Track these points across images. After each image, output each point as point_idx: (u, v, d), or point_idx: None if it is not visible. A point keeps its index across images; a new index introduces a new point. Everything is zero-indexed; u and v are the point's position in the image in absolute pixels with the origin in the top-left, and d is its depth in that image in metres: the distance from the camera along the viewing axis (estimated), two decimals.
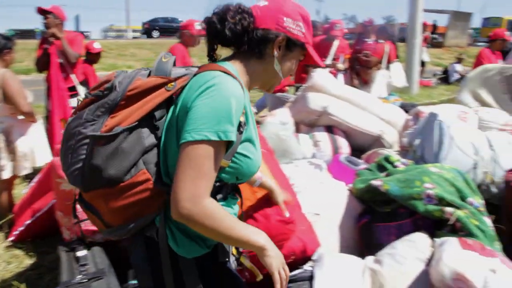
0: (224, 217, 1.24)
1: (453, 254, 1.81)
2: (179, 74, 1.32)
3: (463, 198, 2.38)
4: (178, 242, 1.32)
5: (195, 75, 1.32)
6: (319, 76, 4.04)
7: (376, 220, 2.52)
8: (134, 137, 1.26)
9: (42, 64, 4.49)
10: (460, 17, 28.11)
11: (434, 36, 23.17)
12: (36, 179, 3.65)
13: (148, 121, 1.29)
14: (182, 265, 1.33)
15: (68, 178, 1.34)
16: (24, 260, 3.31)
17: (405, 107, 4.84)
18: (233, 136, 1.23)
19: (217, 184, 1.32)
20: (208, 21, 1.36)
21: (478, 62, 6.31)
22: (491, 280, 1.69)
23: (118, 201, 1.28)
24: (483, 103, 3.98)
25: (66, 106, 4.46)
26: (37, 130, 3.89)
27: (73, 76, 4.59)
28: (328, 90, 3.93)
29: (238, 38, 1.35)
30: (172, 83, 1.29)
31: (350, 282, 2.05)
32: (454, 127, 2.99)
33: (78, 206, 1.47)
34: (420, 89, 11.53)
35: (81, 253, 2.48)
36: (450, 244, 1.92)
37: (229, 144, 1.25)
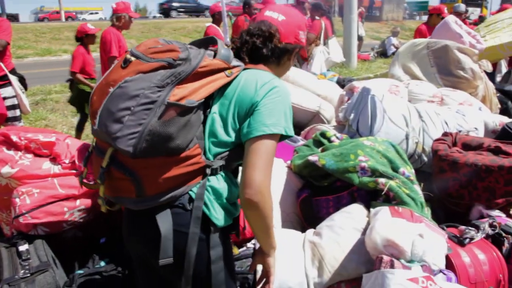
0: (272, 209, 1.43)
1: (383, 222, 1.93)
2: (234, 63, 1.48)
3: (395, 168, 2.51)
4: (216, 210, 1.45)
5: (246, 69, 1.52)
6: None
7: (315, 194, 2.61)
8: (198, 112, 1.38)
9: None
10: None
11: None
12: None
13: (206, 99, 1.40)
14: (212, 232, 1.45)
15: (114, 140, 1.27)
16: None
17: (342, 82, 5.01)
18: (293, 133, 1.48)
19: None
20: (251, 43, 1.58)
21: (416, 37, 6.57)
22: (418, 243, 1.83)
23: (170, 171, 1.34)
24: (414, 76, 4.16)
25: None
26: None
27: (1, 65, 4.36)
28: None
29: (271, 54, 1.60)
30: (231, 70, 1.45)
31: (292, 256, 2.14)
32: (386, 100, 3.13)
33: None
34: (359, 63, 11.87)
35: (23, 247, 2.42)
36: (382, 213, 2.04)
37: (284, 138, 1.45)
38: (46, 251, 2.45)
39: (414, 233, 1.87)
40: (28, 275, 2.25)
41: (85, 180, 1.61)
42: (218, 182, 1.46)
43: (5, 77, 4.39)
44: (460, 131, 3.24)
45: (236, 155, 1.48)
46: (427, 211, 2.47)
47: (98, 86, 1.41)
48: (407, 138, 3.07)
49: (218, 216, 1.45)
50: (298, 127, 3.88)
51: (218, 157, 1.46)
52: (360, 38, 15.66)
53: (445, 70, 4.05)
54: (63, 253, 2.62)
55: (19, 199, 2.50)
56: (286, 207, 2.76)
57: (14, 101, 4.49)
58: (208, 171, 1.42)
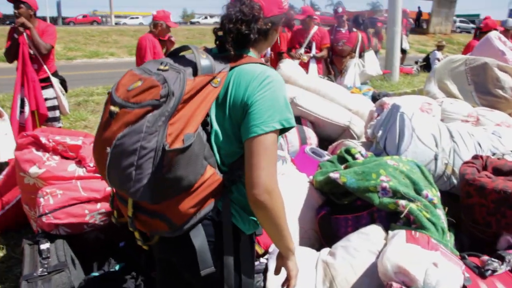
0: (283, 209, 1.39)
1: (396, 248, 1.87)
2: (218, 68, 1.38)
3: (418, 190, 2.43)
4: (243, 219, 1.47)
5: (232, 68, 1.41)
6: (287, 66, 4.07)
7: (334, 212, 2.57)
8: (198, 138, 1.31)
9: (12, 54, 4.41)
10: (444, 4, 28.23)
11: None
12: (4, 172, 3.65)
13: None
14: (241, 240, 1.48)
15: (131, 195, 1.30)
16: None
17: (377, 97, 4.91)
18: (293, 122, 1.40)
19: None
20: (235, 30, 1.44)
21: (465, 53, 6.33)
22: (431, 272, 1.76)
23: (191, 201, 1.34)
24: (449, 94, 4.03)
25: (38, 98, 4.42)
26: (3, 124, 3.88)
27: (45, 67, 4.54)
28: (295, 80, 3.97)
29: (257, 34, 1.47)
30: (218, 79, 1.35)
31: (303, 274, 2.10)
32: (416, 119, 3.03)
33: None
34: (401, 77, 11.62)
35: (44, 246, 2.50)
36: (397, 237, 1.98)
37: (287, 129, 1.40)
38: (66, 251, 2.52)
39: (428, 261, 1.79)
40: (46, 273, 2.33)
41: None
42: (239, 191, 1.46)
43: (47, 79, 4.58)
44: (494, 154, 3.10)
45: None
46: (449, 237, 2.37)
47: (96, 143, 1.41)
48: (436, 159, 2.96)
49: (245, 224, 1.48)
50: (328, 141, 3.85)
51: (233, 167, 1.44)
52: (403, 51, 15.37)
53: (483, 88, 3.90)
54: (84, 254, 2.69)
55: (43, 199, 2.59)
56: (305, 223, 2.72)
57: (55, 102, 4.67)
58: (227, 183, 1.42)
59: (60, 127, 4.77)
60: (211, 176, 1.37)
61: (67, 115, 6.16)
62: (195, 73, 1.34)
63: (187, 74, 1.32)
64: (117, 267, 2.57)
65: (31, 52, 4.40)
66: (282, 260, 1.52)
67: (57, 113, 4.74)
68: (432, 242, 1.94)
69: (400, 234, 2.01)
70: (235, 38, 1.45)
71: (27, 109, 4.34)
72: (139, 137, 1.24)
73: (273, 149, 1.35)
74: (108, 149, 1.27)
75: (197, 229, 1.40)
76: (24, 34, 4.31)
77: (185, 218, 1.37)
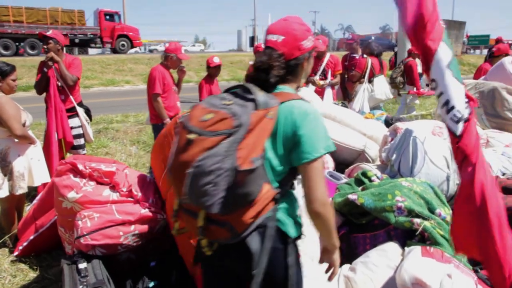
0: (333, 216, 1.75)
1: (413, 261, 2.02)
2: (271, 103, 1.66)
3: (431, 209, 2.59)
4: (289, 225, 1.76)
5: (281, 103, 1.70)
6: (303, 94, 4.27)
7: (353, 231, 2.73)
8: (260, 160, 1.60)
9: (42, 87, 4.71)
10: (453, 25, 28.51)
11: None
12: (38, 197, 3.86)
13: None
14: (289, 243, 1.76)
15: (206, 208, 1.54)
16: (28, 274, 3.49)
17: (390, 121, 5.08)
18: (333, 147, 1.73)
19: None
20: (256, 75, 1.77)
21: (477, 76, 6.47)
22: (446, 283, 1.91)
23: (251, 212, 1.62)
24: None
25: (64, 127, 4.69)
26: (35, 150, 4.01)
27: (72, 98, 4.82)
28: None
29: (280, 76, 1.77)
30: (271, 112, 1.64)
31: None
32: (428, 142, 3.20)
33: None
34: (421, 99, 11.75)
35: (82, 265, 2.68)
36: (413, 252, 2.13)
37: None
38: (102, 270, 2.70)
39: (443, 273, 1.94)
40: None
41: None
42: (286, 201, 1.76)
43: (73, 109, 4.87)
44: (504, 174, 3.24)
45: (292, 175, 1.78)
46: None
47: (173, 167, 1.64)
48: (447, 179, 3.12)
49: (291, 229, 1.76)
50: (345, 164, 4.01)
51: (282, 183, 1.74)
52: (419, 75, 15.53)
53: (492, 111, 4.05)
54: (117, 274, 2.86)
55: (81, 221, 2.78)
56: None
57: (80, 131, 4.94)
58: (277, 196, 1.70)
59: (84, 154, 5.02)
60: (267, 191, 1.66)
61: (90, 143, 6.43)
62: (255, 107, 1.61)
63: (250, 109, 1.60)
64: (151, 284, 2.73)
65: (59, 84, 4.70)
66: (328, 253, 1.87)
67: (82, 140, 5.00)
68: (446, 256, 2.09)
69: (416, 250, 2.16)
70: (261, 84, 1.74)
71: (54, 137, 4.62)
72: (217, 160, 1.49)
73: (322, 170, 1.70)
74: (189, 170, 1.51)
75: (252, 235, 1.66)
76: (53, 67, 4.61)
77: (245, 226, 1.63)
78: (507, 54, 6.42)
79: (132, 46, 28.34)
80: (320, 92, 6.39)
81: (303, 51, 1.81)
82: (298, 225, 1.82)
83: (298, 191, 1.82)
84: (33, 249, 3.67)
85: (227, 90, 1.79)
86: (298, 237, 1.84)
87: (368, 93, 6.43)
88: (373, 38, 7.14)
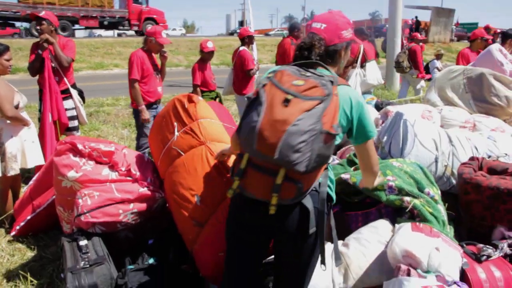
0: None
1: (403, 235, 2.13)
2: (337, 83, 1.85)
3: (420, 188, 2.70)
4: (333, 190, 2.05)
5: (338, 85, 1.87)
6: None
7: (346, 209, 2.83)
8: (338, 127, 1.75)
9: (36, 68, 4.70)
10: (442, 13, 28.65)
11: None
12: (35, 177, 3.90)
13: None
14: (330, 206, 2.04)
15: (294, 165, 1.65)
16: (26, 253, 3.55)
17: (380, 106, 5.19)
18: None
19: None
20: (300, 53, 1.97)
21: (457, 62, 6.66)
22: (434, 256, 2.03)
23: (318, 174, 1.83)
24: (449, 102, 4.30)
25: (59, 108, 4.70)
26: (29, 132, 4.00)
27: (65, 80, 4.83)
28: None
29: (321, 58, 1.96)
30: (336, 91, 1.78)
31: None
32: (418, 125, 3.31)
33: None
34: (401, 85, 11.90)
35: (83, 242, 2.76)
36: (404, 228, 2.25)
37: None
38: (102, 247, 2.78)
39: (431, 246, 2.06)
40: (88, 266, 2.59)
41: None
42: (329, 171, 2.00)
43: (67, 91, 4.88)
44: (490, 156, 3.37)
45: (336, 149, 1.98)
46: (449, 229, 2.63)
47: (266, 123, 1.70)
48: (436, 161, 3.24)
49: (333, 194, 2.04)
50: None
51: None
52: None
53: (479, 96, 4.17)
54: (116, 252, 2.94)
55: (82, 199, 2.85)
56: None
57: (74, 113, 4.96)
58: (326, 166, 1.91)
59: (79, 136, 5.04)
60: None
61: (83, 125, 6.45)
62: (331, 83, 1.79)
63: (329, 82, 1.79)
64: (150, 261, 2.82)
65: (53, 65, 4.69)
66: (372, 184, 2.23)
67: (75, 122, 5.02)
68: (434, 231, 2.21)
69: (406, 225, 2.28)
70: (302, 60, 1.94)
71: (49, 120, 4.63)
72: (313, 121, 1.65)
73: (373, 144, 2.05)
74: (287, 127, 1.64)
75: (307, 197, 1.84)
76: (48, 49, 4.61)
77: (310, 186, 1.81)
78: (482, 38, 6.63)
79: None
80: None
81: (342, 39, 2.02)
82: (334, 191, 2.09)
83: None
84: (30, 229, 3.73)
85: (295, 64, 1.94)
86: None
87: (360, 78, 6.52)
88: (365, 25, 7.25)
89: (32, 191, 3.79)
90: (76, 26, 27.94)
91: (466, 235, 2.80)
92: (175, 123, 2.82)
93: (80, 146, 3.02)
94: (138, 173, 3.03)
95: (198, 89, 5.97)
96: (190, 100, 2.85)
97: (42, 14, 4.65)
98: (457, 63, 6.53)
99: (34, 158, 4.05)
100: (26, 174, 4.76)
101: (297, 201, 1.83)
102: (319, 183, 1.89)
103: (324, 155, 1.72)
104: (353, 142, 2.06)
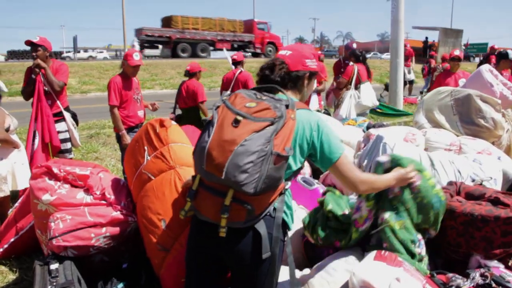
0: (376, 177, 2.27)
1: (364, 265, 2.08)
2: (293, 106, 1.86)
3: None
4: (289, 216, 2.01)
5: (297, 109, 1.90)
6: None
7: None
8: (292, 151, 1.80)
9: (29, 92, 4.79)
10: (450, 33, 28.65)
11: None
12: (20, 200, 3.93)
13: None
14: (287, 232, 2.02)
15: (241, 186, 1.67)
16: (8, 275, 3.56)
17: (373, 128, 5.13)
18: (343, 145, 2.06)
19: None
20: (262, 74, 2.08)
21: (436, 84, 6.70)
22: (394, 286, 1.96)
23: (271, 197, 1.82)
24: (436, 124, 4.24)
25: (51, 131, 4.75)
26: (19, 155, 4.10)
27: (58, 103, 4.90)
28: None
29: (282, 80, 2.04)
30: (293, 115, 1.82)
31: None
32: (397, 148, 3.26)
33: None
34: (405, 107, 11.87)
35: (53, 266, 2.74)
36: (368, 256, 2.19)
37: None
38: (73, 271, 2.76)
39: (391, 276, 2.00)
40: None
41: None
42: (287, 196, 1.97)
43: (60, 114, 4.94)
44: (474, 180, 3.30)
45: (295, 174, 2.01)
46: (424, 258, 2.54)
47: (214, 143, 1.74)
48: None
49: (290, 220, 2.01)
50: (321, 171, 4.05)
51: (287, 179, 1.95)
52: (410, 82, 15.66)
53: (467, 118, 4.10)
54: (91, 275, 2.92)
55: (54, 223, 2.85)
56: (293, 248, 2.92)
57: (67, 135, 5.01)
58: (283, 190, 1.90)
59: (71, 158, 5.08)
60: (283, 183, 1.86)
61: (79, 147, 6.51)
62: (286, 106, 1.81)
63: (284, 106, 1.81)
64: (120, 286, 2.79)
65: (46, 89, 4.77)
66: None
67: (68, 145, 5.07)
68: (397, 260, 2.15)
69: (371, 254, 2.22)
70: (262, 80, 2.07)
71: (36, 141, 4.67)
72: (261, 142, 1.67)
73: (348, 164, 2.00)
74: (235, 147, 1.66)
75: (261, 222, 1.84)
76: (40, 73, 4.70)
77: (261, 210, 1.81)
78: (451, 58, 6.66)
79: (277, 51, 31.65)
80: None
81: (306, 68, 2.08)
82: (292, 217, 2.06)
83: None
84: (13, 251, 3.74)
85: (254, 88, 2.00)
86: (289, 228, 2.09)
87: (355, 100, 6.51)
88: (354, 45, 7.25)
89: (17, 214, 3.82)
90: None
91: (442, 263, 2.73)
92: (146, 147, 2.82)
93: (55, 170, 3.04)
94: (112, 197, 3.02)
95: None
96: (162, 125, 2.86)
97: (37, 40, 4.73)
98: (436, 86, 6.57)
99: (24, 180, 4.09)
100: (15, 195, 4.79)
101: (249, 225, 1.81)
102: (274, 208, 1.88)
103: (275, 177, 1.72)
104: (322, 168, 2.05)
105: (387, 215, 2.47)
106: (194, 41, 29.94)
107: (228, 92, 5.54)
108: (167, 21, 30.74)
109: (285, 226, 1.98)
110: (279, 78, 2.04)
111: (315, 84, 2.19)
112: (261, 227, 1.84)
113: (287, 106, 1.81)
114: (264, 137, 1.67)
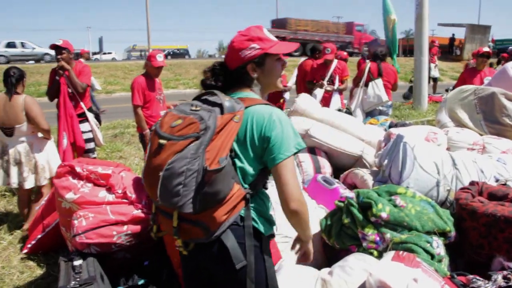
0: (308, 211, 1.84)
1: (381, 265, 2.07)
2: (237, 107, 1.75)
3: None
4: (262, 223, 1.86)
5: (246, 107, 1.79)
6: (302, 100, 4.35)
7: None
8: (228, 161, 1.69)
9: (52, 93, 4.95)
10: (478, 30, 28.02)
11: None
12: (46, 197, 4.05)
13: None
14: (262, 240, 1.87)
15: (179, 208, 1.63)
16: (35, 271, 3.67)
17: (395, 127, 5.08)
18: (304, 144, 1.83)
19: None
20: (205, 77, 1.94)
21: (460, 82, 6.54)
22: (412, 287, 1.95)
23: (223, 210, 1.70)
24: (459, 123, 4.17)
25: (75, 131, 4.88)
26: (51, 146, 4.50)
27: (82, 104, 5.02)
28: (310, 113, 4.23)
29: (226, 82, 1.91)
30: (238, 116, 1.72)
31: None
32: (418, 148, 3.22)
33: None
34: (431, 105, 11.68)
35: (77, 262, 2.82)
36: (386, 257, 2.18)
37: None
38: (96, 267, 2.82)
39: (409, 277, 1.98)
40: (77, 286, 2.63)
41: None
42: (258, 201, 1.85)
43: (83, 114, 5.06)
44: (498, 180, 3.24)
45: (263, 176, 1.86)
46: (444, 259, 2.52)
47: (147, 170, 1.74)
48: (437, 185, 3.13)
49: (264, 227, 1.86)
50: (342, 170, 4.05)
51: (252, 184, 1.82)
52: (434, 80, 15.39)
53: (491, 117, 4.02)
54: (113, 271, 2.99)
55: (77, 221, 2.92)
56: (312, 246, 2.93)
57: (90, 135, 5.14)
58: (248, 196, 1.77)
59: (94, 158, 5.20)
60: (238, 190, 1.73)
61: (104, 146, 6.63)
62: (221, 112, 1.71)
63: (216, 113, 1.70)
64: (140, 282, 2.85)
65: (69, 90, 4.89)
66: (303, 243, 2.00)
67: (92, 144, 5.19)
68: (415, 261, 2.13)
69: (389, 254, 2.21)
70: (208, 86, 1.91)
71: (65, 141, 4.82)
72: (185, 162, 1.59)
73: (294, 167, 1.79)
74: (161, 173, 1.61)
75: (227, 233, 1.75)
76: (64, 75, 4.82)
77: (219, 225, 1.71)
78: (479, 54, 6.50)
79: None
80: (327, 98, 6.46)
81: (244, 59, 1.87)
82: (270, 223, 1.92)
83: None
84: (40, 248, 3.85)
85: (197, 97, 1.89)
86: (272, 235, 1.96)
87: (362, 97, 6.49)
88: (379, 42, 7.24)
89: (43, 211, 3.92)
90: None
91: (464, 264, 2.69)
92: None
93: (78, 169, 3.11)
94: (133, 196, 3.08)
95: None
96: None
97: (61, 43, 4.84)
98: (459, 83, 6.42)
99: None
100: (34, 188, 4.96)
101: (215, 238, 1.74)
102: (242, 217, 1.79)
103: (211, 193, 1.64)
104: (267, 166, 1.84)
105: (389, 235, 2.52)
106: (305, 41, 31.36)
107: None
108: (281, 23, 34.11)
109: (259, 233, 1.85)
110: (221, 83, 1.91)
111: (278, 66, 1.94)
112: (227, 238, 1.76)
113: (222, 111, 1.71)
114: (188, 156, 1.60)
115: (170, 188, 1.60)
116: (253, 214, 1.82)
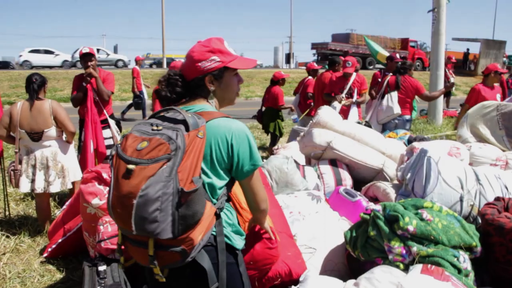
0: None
1: (411, 278, 2.07)
2: (199, 123, 1.68)
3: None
4: (234, 238, 1.85)
5: (207, 121, 1.72)
6: (324, 113, 4.37)
7: None
8: (201, 179, 1.64)
9: (78, 100, 5.03)
10: (492, 45, 27.95)
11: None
12: (68, 202, 4.10)
13: None
14: (238, 255, 1.89)
15: (156, 235, 1.53)
16: (55, 274, 3.69)
17: (413, 141, 5.08)
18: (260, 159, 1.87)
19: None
20: (161, 89, 1.87)
21: (470, 96, 6.47)
22: None
23: (198, 230, 1.63)
24: (481, 138, 4.16)
25: (98, 138, 4.96)
26: (72, 150, 4.64)
27: (104, 111, 5.10)
28: (332, 126, 4.25)
29: (181, 94, 1.86)
30: (201, 132, 1.65)
31: None
32: (442, 162, 3.22)
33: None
34: (445, 119, 11.65)
35: (102, 268, 2.86)
36: (414, 270, 2.18)
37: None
38: (120, 273, 2.86)
39: None
40: None
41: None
42: (226, 214, 1.83)
43: (105, 121, 5.14)
44: None
45: (228, 188, 1.83)
46: (470, 274, 2.51)
47: (114, 201, 1.62)
48: (461, 200, 3.12)
49: (237, 242, 1.85)
50: (363, 182, 4.06)
51: (219, 198, 1.79)
52: (448, 94, 15.35)
53: None
54: (136, 278, 3.01)
55: (103, 226, 2.96)
56: (335, 257, 2.95)
57: (111, 142, 5.20)
58: (218, 211, 1.75)
59: None
60: (210, 208, 1.68)
61: None
62: (187, 129, 1.62)
63: (182, 131, 1.61)
64: None
65: (94, 97, 4.97)
66: (262, 225, 2.21)
67: (113, 151, 5.23)
68: (445, 274, 2.12)
69: (417, 267, 2.21)
70: (167, 97, 1.86)
71: (91, 147, 4.91)
72: (160, 186, 1.50)
73: (260, 177, 1.89)
74: (134, 201, 1.50)
75: (201, 253, 1.70)
76: (90, 82, 4.92)
77: (194, 245, 1.64)
78: (496, 72, 6.37)
79: (424, 67, 34.16)
80: (345, 110, 6.48)
81: (202, 71, 1.82)
82: (241, 234, 1.90)
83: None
84: (61, 252, 3.88)
85: (153, 115, 1.80)
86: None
87: (380, 108, 6.53)
88: (398, 55, 7.33)
89: (64, 215, 3.97)
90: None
91: (490, 280, 2.67)
92: None
93: (105, 175, 3.16)
94: None
95: None
96: None
97: (88, 51, 4.92)
98: (469, 99, 6.39)
99: (77, 173, 4.61)
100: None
101: (190, 260, 1.67)
102: (214, 236, 1.76)
103: (189, 215, 1.58)
104: (236, 179, 1.86)
105: (415, 248, 2.50)
106: (365, 55, 32.85)
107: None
108: (343, 37, 37.12)
109: (233, 249, 1.84)
110: (175, 95, 1.84)
111: (235, 81, 1.93)
112: (202, 258, 1.71)
113: (187, 129, 1.63)
114: (162, 179, 1.50)
115: (146, 216, 1.51)
116: (225, 230, 1.79)
